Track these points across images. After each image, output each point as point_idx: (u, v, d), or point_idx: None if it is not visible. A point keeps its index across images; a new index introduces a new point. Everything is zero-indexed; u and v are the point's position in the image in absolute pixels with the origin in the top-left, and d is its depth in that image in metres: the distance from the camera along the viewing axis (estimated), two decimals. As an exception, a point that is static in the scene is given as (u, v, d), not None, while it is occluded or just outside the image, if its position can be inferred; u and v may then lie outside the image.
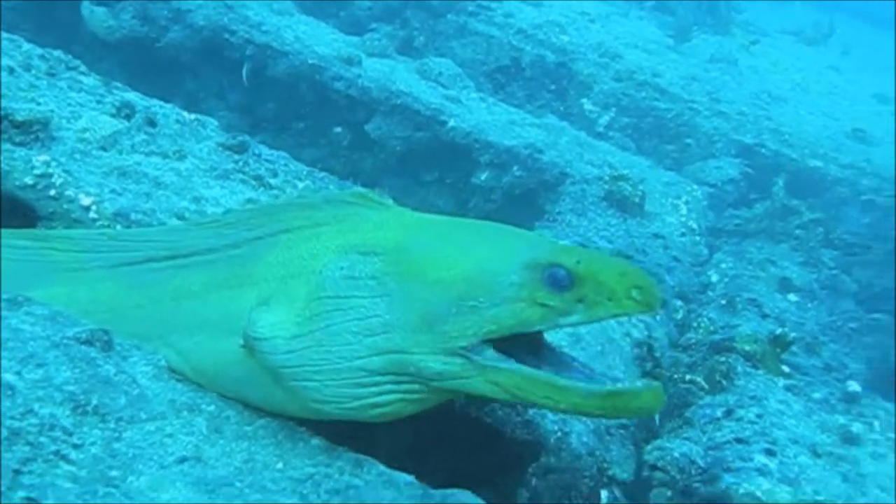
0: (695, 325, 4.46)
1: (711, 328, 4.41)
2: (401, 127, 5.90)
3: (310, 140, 6.28)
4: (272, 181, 3.36)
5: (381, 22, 6.96)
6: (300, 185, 3.44)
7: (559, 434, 2.55)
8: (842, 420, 3.13)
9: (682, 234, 5.41)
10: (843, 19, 15.27)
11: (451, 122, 5.79)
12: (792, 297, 5.02)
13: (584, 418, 2.65)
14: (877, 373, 4.67)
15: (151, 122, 3.38)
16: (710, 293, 5.05)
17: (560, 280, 2.08)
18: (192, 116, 3.68)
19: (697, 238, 5.51)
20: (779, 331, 3.61)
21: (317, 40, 6.20)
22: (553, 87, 6.94)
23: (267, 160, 3.51)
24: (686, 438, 2.90)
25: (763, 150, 6.66)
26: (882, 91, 9.34)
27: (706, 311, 4.68)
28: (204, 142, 3.48)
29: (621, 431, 2.76)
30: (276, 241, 2.38)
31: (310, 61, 5.90)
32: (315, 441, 2.18)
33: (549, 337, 2.30)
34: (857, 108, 8.45)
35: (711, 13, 9.54)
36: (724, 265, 5.32)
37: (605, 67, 6.93)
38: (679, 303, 4.68)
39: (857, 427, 3.08)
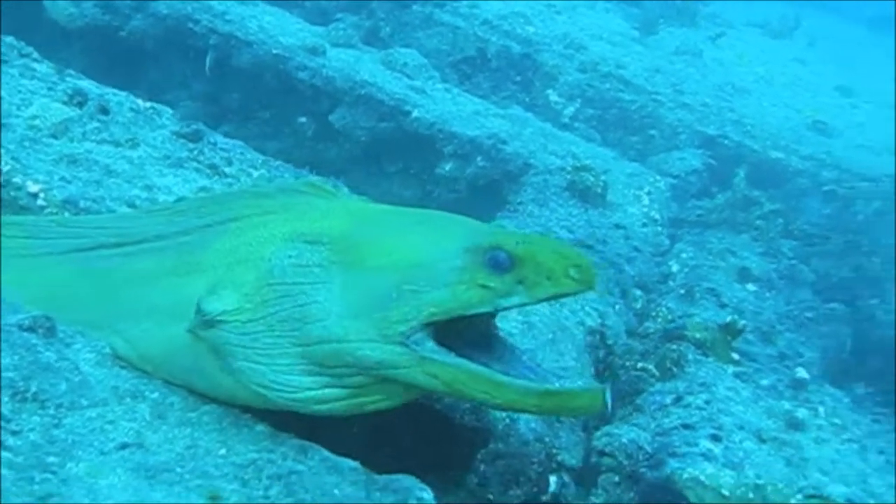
0: (653, 314, 4.50)
1: (669, 317, 4.46)
2: (365, 117, 5.90)
3: (274, 129, 6.26)
4: (227, 170, 3.37)
5: (346, 12, 6.94)
6: (255, 173, 3.44)
7: (507, 420, 2.58)
8: (787, 406, 3.18)
9: (644, 225, 5.46)
10: (811, 12, 15.39)
11: (415, 113, 5.80)
12: (750, 286, 5.07)
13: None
14: (830, 361, 4.74)
15: (104, 111, 3.36)
16: (670, 283, 5.09)
17: (501, 262, 2.11)
18: (148, 105, 3.67)
19: (659, 228, 5.56)
20: (729, 318, 3.65)
21: (281, 30, 6.18)
22: (518, 78, 6.95)
23: (222, 149, 3.51)
24: (635, 425, 2.94)
25: (726, 142, 6.71)
26: (845, 83, 9.43)
27: (665, 300, 4.72)
28: (158, 130, 3.47)
29: (571, 418, 2.79)
30: (225, 228, 2.39)
31: (274, 51, 5.88)
32: (260, 427, 2.19)
33: (502, 329, 2.33)
34: (819, 100, 8.53)
35: (677, 6, 9.57)
36: (684, 255, 5.36)
37: (570, 59, 6.96)
38: (639, 292, 4.72)
39: (802, 413, 3.13)
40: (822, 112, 7.92)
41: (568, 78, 6.89)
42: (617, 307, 4.31)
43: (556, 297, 2.14)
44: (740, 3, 13.10)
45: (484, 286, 2.10)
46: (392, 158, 6.10)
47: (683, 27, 9.35)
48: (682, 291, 4.73)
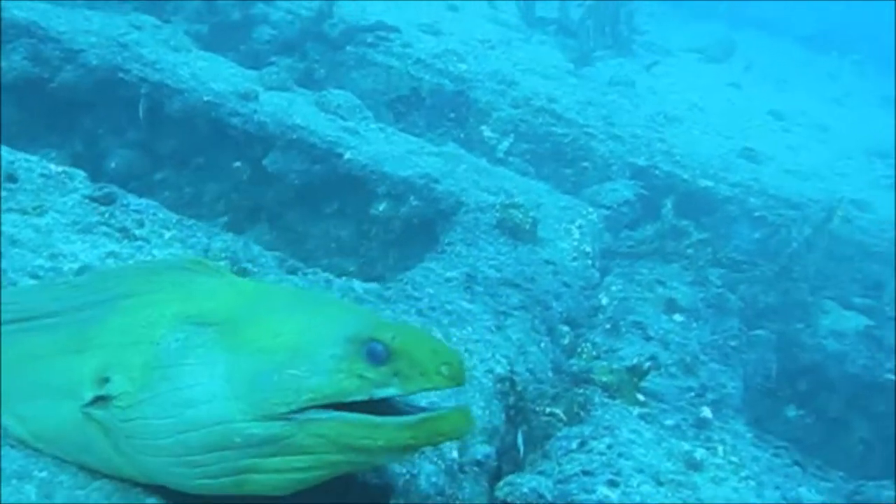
0: (579, 350, 4.59)
1: (595, 353, 4.56)
2: (298, 161, 5.96)
3: (211, 175, 6.32)
4: (138, 232, 3.40)
5: (280, 55, 7.02)
6: (167, 234, 3.47)
7: (408, 476, 2.64)
8: (687, 447, 3.28)
9: (575, 259, 5.55)
10: (750, 33, 15.77)
11: (348, 155, 5.87)
12: (677, 317, 5.18)
13: (434, 458, 2.74)
14: (753, 391, 4.86)
15: (11, 178, 3.39)
16: (600, 316, 5.19)
17: (378, 354, 2.21)
18: (60, 169, 3.69)
19: (589, 262, 5.66)
20: (635, 360, 3.75)
21: (214, 76, 6.23)
22: (453, 114, 7.06)
23: (135, 210, 3.54)
24: (540, 472, 3.01)
25: (656, 172, 6.86)
26: (777, 108, 9.66)
27: (592, 335, 4.82)
28: (69, 195, 3.50)
29: (475, 469, 2.86)
30: (118, 305, 2.43)
31: (205, 98, 5.93)
32: (151, 501, 2.23)
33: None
34: (752, 125, 8.74)
35: (613, 36, 9.76)
36: (614, 288, 5.47)
37: (503, 94, 7.08)
38: (566, 328, 4.80)
39: (700, 453, 3.23)
40: (754, 137, 8.13)
41: (501, 114, 7.01)
42: (542, 345, 4.40)
43: (426, 391, 2.24)
44: (679, 29, 13.41)
45: (361, 376, 2.19)
46: (328, 199, 6.17)
47: (619, 57, 9.55)
48: (609, 326, 4.82)
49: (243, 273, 3.34)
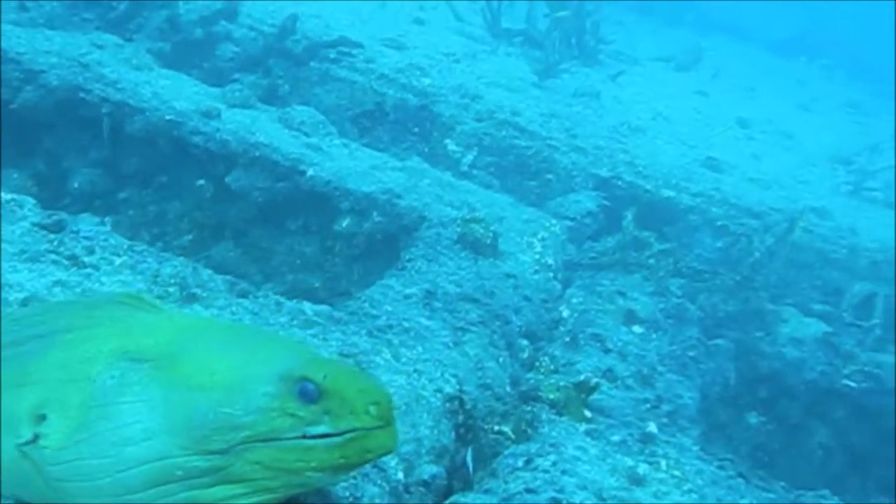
0: (537, 364, 4.64)
1: (552, 367, 4.61)
2: (261, 178, 5.98)
3: (175, 193, 6.33)
4: (87, 259, 3.41)
5: (244, 72, 7.04)
6: (117, 260, 3.49)
7: (351, 499, 2.67)
8: (630, 462, 3.33)
9: (536, 272, 5.60)
10: (719, 40, 15.91)
11: (310, 172, 5.90)
12: (637, 328, 5.23)
13: (379, 481, 2.78)
14: (711, 400, 4.92)
15: (-42, 209, 3.40)
16: (561, 329, 5.24)
17: (309, 393, 2.27)
18: (8, 197, 3.70)
19: (551, 274, 5.71)
20: (582, 377, 3.80)
21: (176, 94, 6.24)
22: (417, 129, 7.10)
23: (85, 237, 3.56)
24: (486, 490, 3.05)
25: (619, 183, 6.93)
26: (743, 115, 9.76)
27: (552, 348, 4.86)
28: (18, 223, 3.51)
29: (422, 489, 2.89)
30: (56, 340, 2.45)
31: (167, 117, 5.95)
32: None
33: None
34: (716, 134, 8.82)
35: (580, 46, 9.85)
36: (574, 300, 5.52)
37: (466, 108, 7.13)
38: (525, 342, 4.85)
39: (643, 468, 3.28)
40: (718, 146, 8.21)
41: (465, 127, 7.06)
42: (501, 360, 4.44)
43: (356, 430, 2.28)
44: (649, 37, 13.51)
45: (293, 415, 2.25)
46: (292, 216, 6.19)
47: (585, 67, 9.63)
48: (568, 339, 4.87)
49: (192, 298, 3.37)
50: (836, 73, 16.57)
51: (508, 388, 4.23)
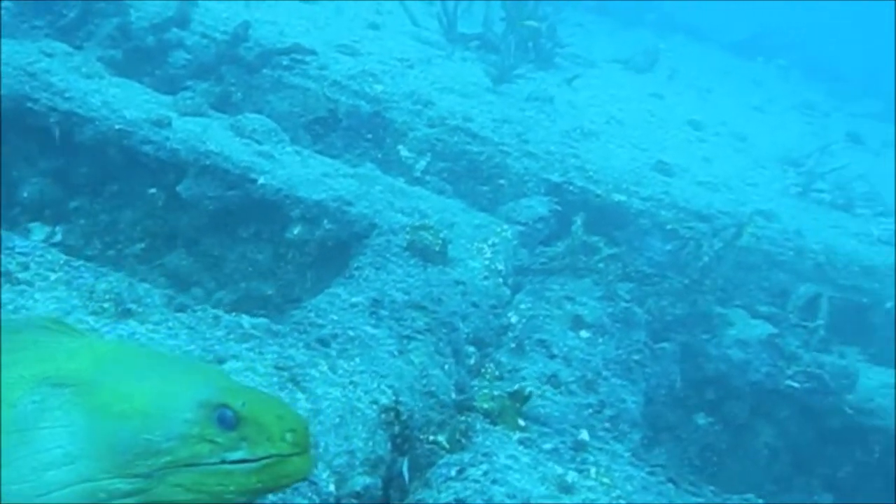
0: (483, 370, 4.70)
1: (497, 373, 4.67)
2: (212, 187, 6.00)
3: (126, 202, 6.32)
4: (21, 276, 3.42)
5: (196, 79, 7.04)
6: (53, 276, 3.50)
7: (279, 513, 2.72)
8: (559, 470, 3.40)
9: (486, 278, 5.65)
10: (678, 40, 16.08)
11: (261, 180, 5.92)
12: (584, 333, 5.32)
13: (309, 494, 2.83)
14: (656, 403, 5.01)
15: None
16: (510, 334, 5.31)
17: (227, 420, 2.33)
18: (-55, 213, 3.70)
19: (500, 280, 5.77)
20: (517, 386, 3.86)
21: (126, 103, 6.23)
22: (370, 135, 7.14)
23: (21, 252, 3.57)
24: (418, 501, 3.11)
25: (570, 188, 7.01)
26: (697, 118, 9.88)
27: (498, 354, 4.93)
28: (-49, 240, 3.52)
29: (354, 501, 2.94)
30: None
31: (116, 126, 5.94)
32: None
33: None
34: (669, 136, 8.94)
35: (536, 50, 9.93)
36: (523, 306, 5.59)
37: (419, 114, 7.18)
38: (472, 349, 4.91)
39: (572, 476, 3.35)
40: (669, 149, 8.32)
41: (417, 133, 7.11)
42: (446, 367, 4.50)
43: (273, 457, 2.34)
44: (608, 39, 13.63)
45: (212, 441, 2.31)
46: (244, 224, 6.21)
47: (541, 71, 9.70)
48: (514, 345, 4.94)
49: (128, 314, 3.39)
50: (793, 74, 16.81)
51: (454, 396, 4.29)
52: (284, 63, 7.20)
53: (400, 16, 9.79)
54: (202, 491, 2.28)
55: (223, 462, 2.29)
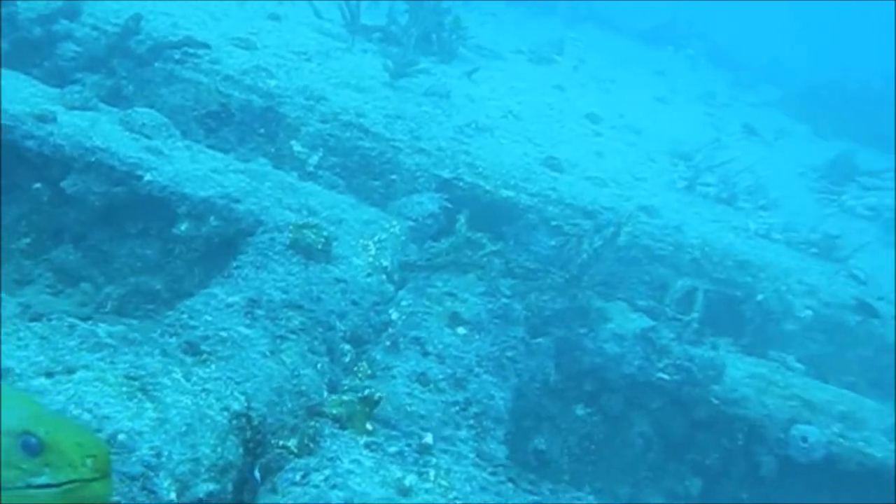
0: (355, 368, 4.83)
1: (370, 371, 4.81)
2: (98, 183, 5.99)
3: (11, 197, 6.27)
4: None
5: (87, 72, 7.00)
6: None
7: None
8: (398, 473, 3.56)
9: (369, 275, 5.78)
10: (587, 30, 16.34)
11: (148, 177, 5.94)
12: (461, 330, 5.48)
13: (147, 502, 2.94)
14: (529, 397, 5.21)
15: None
16: (391, 330, 5.44)
17: (31, 447, 2.49)
18: None
19: (384, 277, 5.90)
20: (366, 392, 4.00)
21: (12, 96, 6.18)
22: (263, 130, 7.19)
23: None
24: (262, 505, 3.25)
25: (460, 184, 7.16)
26: (595, 111, 10.10)
27: (374, 352, 5.06)
28: None
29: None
30: None
31: (-2, 121, 5.89)
32: None
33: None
34: (565, 130, 9.14)
35: (439, 42, 10.03)
36: (404, 302, 5.72)
37: (311, 110, 7.24)
38: (347, 347, 5.03)
39: (410, 479, 3.51)
40: (563, 144, 8.53)
41: (310, 129, 7.18)
42: (319, 366, 4.62)
43: (74, 482, 2.49)
44: (517, 28, 13.79)
45: (17, 467, 2.46)
46: (132, 220, 6.23)
47: (443, 64, 9.82)
48: (389, 343, 5.08)
49: (-22, 325, 3.43)
50: (700, 63, 17.22)
51: (326, 395, 4.41)
52: (176, 57, 7.19)
53: (302, 6, 9.79)
54: None
55: (28, 486, 2.42)
